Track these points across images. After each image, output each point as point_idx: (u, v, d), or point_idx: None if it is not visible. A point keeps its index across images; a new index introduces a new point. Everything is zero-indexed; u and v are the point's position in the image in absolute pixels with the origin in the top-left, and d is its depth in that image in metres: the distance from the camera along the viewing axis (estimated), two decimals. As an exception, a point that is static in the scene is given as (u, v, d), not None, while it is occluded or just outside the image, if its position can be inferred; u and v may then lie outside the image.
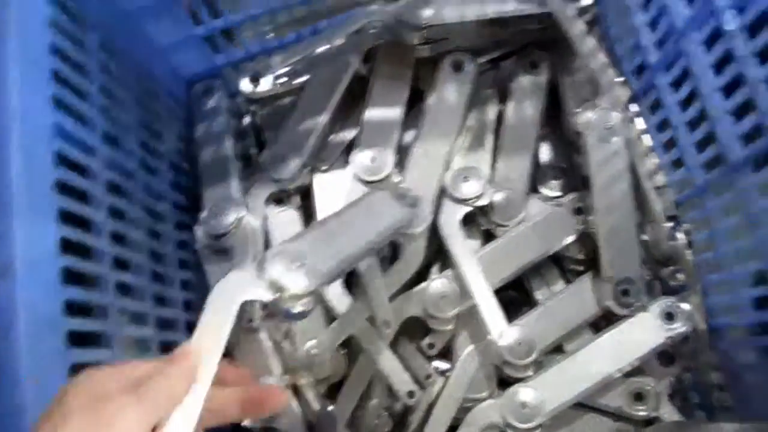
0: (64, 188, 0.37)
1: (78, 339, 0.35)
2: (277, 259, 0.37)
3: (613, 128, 0.55)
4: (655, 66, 0.51)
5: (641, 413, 0.54)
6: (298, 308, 0.36)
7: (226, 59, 0.63)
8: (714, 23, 0.42)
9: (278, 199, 0.59)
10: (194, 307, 0.57)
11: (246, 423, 0.51)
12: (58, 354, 0.33)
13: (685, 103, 0.49)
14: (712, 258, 0.51)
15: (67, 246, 0.36)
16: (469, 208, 0.57)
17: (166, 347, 0.48)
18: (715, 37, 0.42)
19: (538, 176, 0.62)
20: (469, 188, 0.57)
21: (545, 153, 0.63)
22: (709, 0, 0.41)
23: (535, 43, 0.62)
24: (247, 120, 0.66)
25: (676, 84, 0.49)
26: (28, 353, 0.30)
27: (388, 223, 0.47)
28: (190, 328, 0.53)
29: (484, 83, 0.62)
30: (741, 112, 0.42)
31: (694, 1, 0.43)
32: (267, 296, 0.36)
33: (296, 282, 0.36)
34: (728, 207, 0.47)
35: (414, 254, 0.56)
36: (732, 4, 0.40)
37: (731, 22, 0.40)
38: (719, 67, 0.43)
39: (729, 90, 0.43)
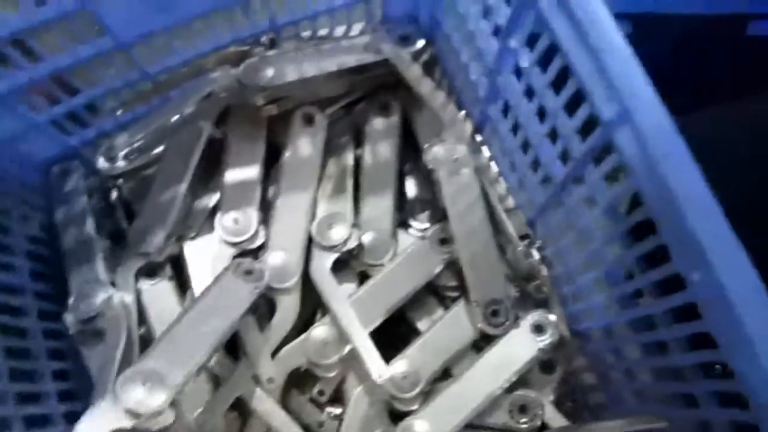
0: None
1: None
2: (129, 385, 0.38)
3: (461, 160, 0.58)
4: (485, 99, 0.55)
5: (525, 425, 0.56)
6: (158, 425, 0.37)
7: (80, 139, 0.62)
8: (513, 61, 0.46)
9: (149, 272, 0.58)
10: (75, 395, 0.56)
11: None
12: None
13: (514, 131, 0.52)
14: (563, 271, 0.55)
15: None
16: (338, 254, 0.59)
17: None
18: (518, 72, 0.46)
19: (407, 210, 0.64)
20: (335, 234, 0.59)
21: (411, 187, 0.66)
22: (507, 40, 0.45)
23: (384, 85, 0.65)
24: (114, 195, 0.66)
25: (504, 113, 0.53)
26: None
27: (235, 312, 0.49)
28: (70, 418, 0.52)
29: (339, 130, 0.64)
30: (552, 135, 0.46)
31: (497, 38, 0.47)
32: (127, 424, 0.36)
33: (151, 402, 0.37)
34: (563, 223, 0.51)
35: (288, 308, 0.56)
36: (523, 43, 0.44)
37: (525, 60, 0.44)
38: (529, 96, 0.47)
39: (541, 116, 0.47)
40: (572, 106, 0.41)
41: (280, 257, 0.57)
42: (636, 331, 0.47)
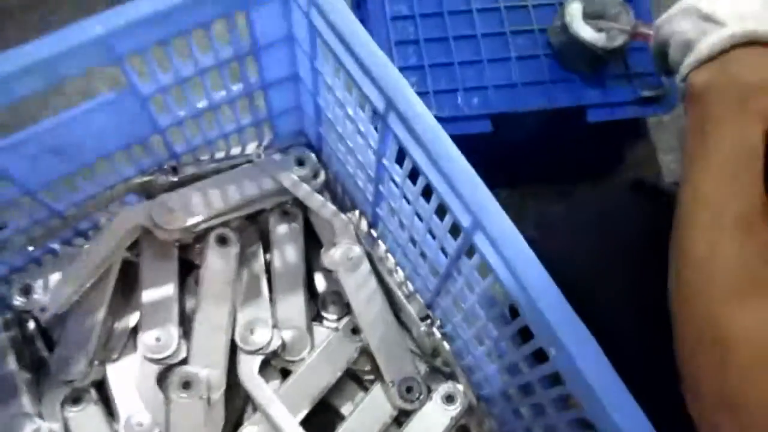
0: None
1: None
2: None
3: (356, 259, 0.65)
4: (373, 202, 0.62)
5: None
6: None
7: (-8, 278, 0.64)
8: (388, 174, 0.53)
9: (75, 399, 0.60)
10: None
11: None
12: None
13: (401, 227, 0.59)
14: (461, 344, 0.61)
15: None
16: (263, 356, 0.63)
17: None
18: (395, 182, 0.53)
19: (319, 304, 0.70)
20: (259, 338, 0.63)
21: (320, 282, 0.72)
22: (380, 158, 0.52)
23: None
24: (31, 326, 0.67)
25: (391, 212, 0.60)
26: None
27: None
28: None
29: (247, 239, 0.69)
30: (431, 233, 0.53)
31: (374, 156, 0.54)
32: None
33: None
34: (453, 306, 0.58)
35: (216, 415, 0.60)
36: (393, 161, 0.51)
37: (397, 175, 0.52)
38: (407, 201, 0.54)
39: (419, 217, 0.54)
40: (440, 212, 0.48)
41: (204, 376, 0.60)
42: (525, 394, 0.53)
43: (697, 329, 0.37)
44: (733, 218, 0.37)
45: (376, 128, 0.51)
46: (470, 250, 0.47)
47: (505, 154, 0.74)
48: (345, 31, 0.46)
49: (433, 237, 0.54)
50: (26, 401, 0.59)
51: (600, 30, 0.70)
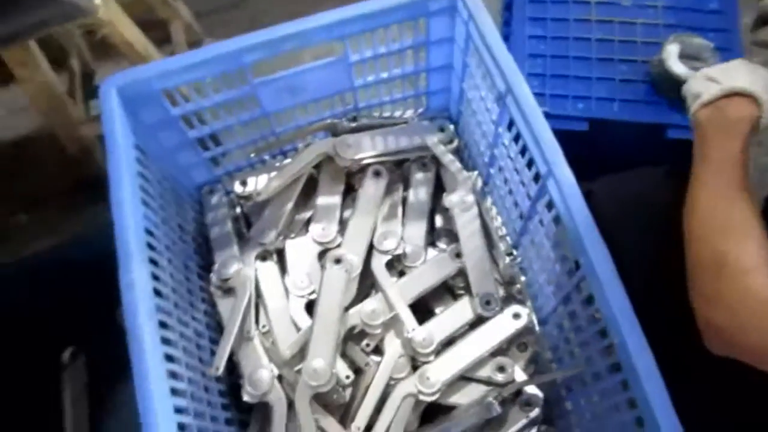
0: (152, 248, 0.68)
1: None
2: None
3: (468, 204, 0.89)
4: (488, 163, 0.87)
5: (501, 379, 0.84)
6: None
7: (223, 171, 0.96)
8: (501, 139, 0.78)
9: (263, 256, 0.90)
10: (209, 326, 0.86)
11: (245, 398, 0.79)
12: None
13: (504, 183, 0.83)
14: (531, 277, 0.84)
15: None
16: (389, 257, 0.89)
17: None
18: (504, 145, 0.78)
19: (435, 235, 0.95)
20: (389, 244, 0.90)
21: (439, 219, 0.97)
22: (498, 127, 0.77)
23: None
24: (238, 210, 0.99)
25: (499, 171, 0.84)
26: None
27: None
28: (212, 342, 0.82)
29: (393, 178, 0.96)
30: (522, 184, 0.77)
31: (494, 124, 0.79)
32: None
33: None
34: (530, 244, 0.81)
35: (352, 287, 0.87)
36: (506, 128, 0.76)
37: (507, 139, 0.76)
38: (510, 159, 0.78)
39: (516, 171, 0.78)
40: (529, 167, 0.72)
41: (350, 259, 0.87)
42: (571, 319, 0.75)
43: (701, 253, 0.57)
44: (724, 190, 0.58)
45: (497, 105, 0.76)
46: (544, 196, 0.70)
47: (596, 152, 0.95)
48: (489, 39, 0.72)
49: (523, 185, 0.77)
50: (236, 249, 0.89)
51: (691, 68, 0.90)
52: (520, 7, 1.01)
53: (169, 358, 0.65)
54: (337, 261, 0.86)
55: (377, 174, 0.94)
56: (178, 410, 0.62)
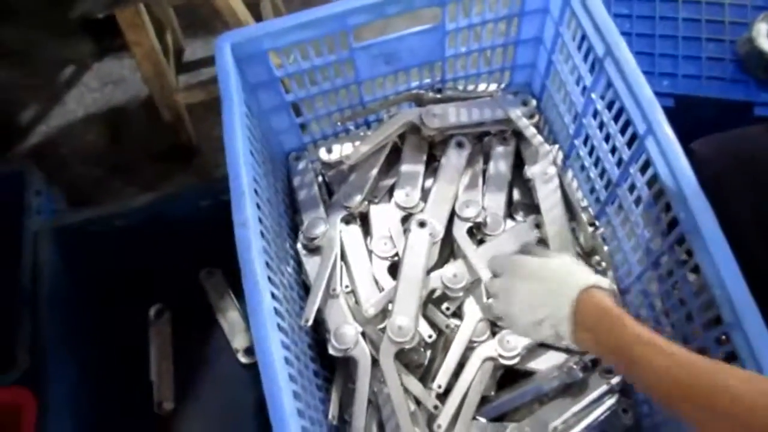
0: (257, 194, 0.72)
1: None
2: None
3: (549, 175, 0.91)
4: (573, 134, 0.88)
5: (582, 346, 0.84)
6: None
7: (310, 138, 1.00)
8: (593, 107, 0.79)
9: (347, 220, 0.93)
10: (297, 284, 0.89)
11: (331, 351, 0.82)
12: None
13: (590, 154, 0.85)
14: (615, 246, 0.85)
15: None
16: (470, 224, 0.91)
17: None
18: (594, 114, 0.79)
19: (512, 208, 0.97)
20: (470, 212, 0.92)
21: (516, 193, 0.98)
22: (590, 94, 0.79)
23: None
24: (320, 179, 1.02)
25: (585, 142, 0.86)
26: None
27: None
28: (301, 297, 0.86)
29: (474, 151, 0.98)
30: (612, 151, 0.78)
31: (583, 95, 0.80)
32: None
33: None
34: (616, 210, 0.82)
35: (435, 251, 0.89)
36: (599, 95, 0.77)
37: (600, 105, 0.77)
38: (600, 128, 0.80)
39: (606, 139, 0.79)
40: (623, 130, 0.73)
41: (433, 223, 0.90)
42: (660, 283, 0.75)
43: None
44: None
45: (591, 73, 0.78)
46: (638, 154, 0.72)
47: (682, 129, 0.96)
48: (589, 3, 0.73)
49: (613, 152, 0.78)
50: (321, 212, 0.92)
51: (783, 47, 0.90)
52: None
53: (273, 297, 0.68)
54: (422, 224, 0.88)
55: (460, 145, 0.96)
56: (285, 346, 0.65)
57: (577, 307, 0.58)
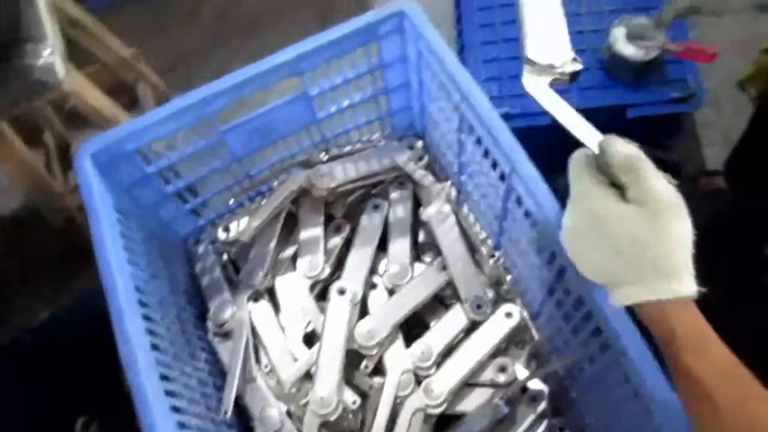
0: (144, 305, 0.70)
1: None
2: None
3: (445, 214, 0.91)
4: (458, 172, 0.89)
5: (504, 379, 0.85)
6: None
7: (206, 220, 0.98)
8: (464, 147, 0.80)
9: (255, 297, 0.91)
10: (212, 373, 0.87)
11: None
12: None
13: (476, 189, 0.86)
14: (516, 274, 0.86)
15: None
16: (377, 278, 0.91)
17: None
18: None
19: (419, 250, 0.97)
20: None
21: (422, 235, 0.99)
22: (461, 135, 0.79)
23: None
24: (225, 257, 1.00)
25: (469, 178, 0.87)
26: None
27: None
28: (217, 388, 0.83)
29: (374, 201, 0.98)
30: (491, 185, 0.79)
31: (455, 134, 0.81)
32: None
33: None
34: (509, 242, 0.83)
35: (355, 316, 0.88)
36: (467, 135, 0.78)
37: (470, 145, 0.78)
38: (477, 165, 0.81)
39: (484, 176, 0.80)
40: (494, 166, 0.74)
41: (353, 289, 0.88)
42: (558, 307, 0.76)
43: None
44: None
45: (456, 114, 0.79)
46: (511, 193, 0.73)
47: (565, 143, 0.98)
48: (439, 52, 0.74)
49: (492, 187, 0.79)
50: (227, 295, 0.91)
51: (640, 48, 0.93)
52: (470, 16, 1.04)
53: (176, 410, 0.66)
54: (341, 292, 0.87)
55: (376, 207, 0.96)
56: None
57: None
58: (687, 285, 0.42)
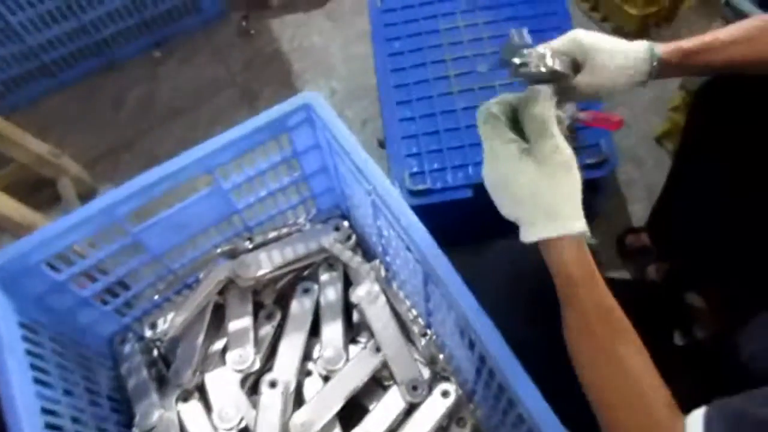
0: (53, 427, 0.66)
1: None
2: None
3: (375, 295, 0.90)
4: (382, 252, 0.88)
5: (446, 461, 0.83)
6: None
7: (131, 317, 0.95)
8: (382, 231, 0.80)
9: (184, 397, 0.88)
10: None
11: None
12: None
13: (401, 269, 0.85)
14: (450, 353, 0.85)
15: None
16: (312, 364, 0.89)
17: None
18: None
19: (353, 331, 0.95)
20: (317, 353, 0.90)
21: (356, 315, 0.97)
22: (375, 222, 0.79)
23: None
24: (155, 352, 0.97)
25: (395, 257, 0.86)
26: None
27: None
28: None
29: (304, 284, 0.97)
30: (412, 266, 0.79)
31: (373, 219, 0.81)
32: None
33: None
34: (439, 323, 0.82)
35: (289, 406, 0.85)
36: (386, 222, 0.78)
37: (388, 233, 0.78)
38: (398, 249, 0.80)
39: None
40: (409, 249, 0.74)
41: (284, 380, 0.86)
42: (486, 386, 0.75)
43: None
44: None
45: (369, 199, 0.79)
46: (427, 275, 0.72)
47: (489, 213, 0.99)
48: (344, 144, 0.75)
49: (413, 271, 0.79)
50: (155, 397, 0.87)
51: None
52: (387, 93, 1.06)
53: None
54: (273, 384, 0.85)
55: (306, 291, 0.94)
56: None
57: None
58: (574, 225, 0.50)
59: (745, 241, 0.76)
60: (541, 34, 1.04)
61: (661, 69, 0.63)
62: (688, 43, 0.63)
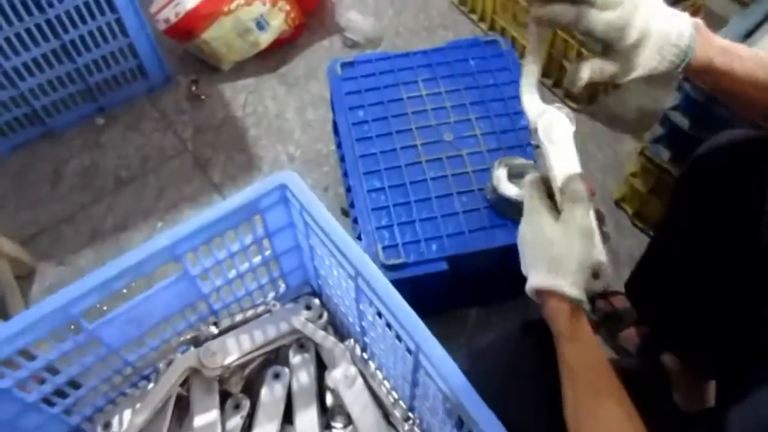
0: None
1: None
2: None
3: (352, 377, 0.85)
4: (360, 333, 0.84)
5: None
6: None
7: (81, 417, 0.85)
8: (365, 315, 0.76)
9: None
10: None
11: None
12: None
13: (383, 352, 0.81)
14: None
15: None
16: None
17: None
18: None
19: (328, 416, 0.89)
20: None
21: (329, 398, 0.92)
22: (358, 304, 0.75)
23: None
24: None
25: (374, 340, 0.82)
26: None
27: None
28: None
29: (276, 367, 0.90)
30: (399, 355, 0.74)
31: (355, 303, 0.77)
32: None
33: None
34: (425, 409, 0.78)
35: None
36: (367, 306, 0.74)
37: (370, 315, 0.74)
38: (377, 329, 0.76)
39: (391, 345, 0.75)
40: (398, 337, 0.70)
41: None
42: None
43: None
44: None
45: (353, 283, 0.74)
46: (419, 366, 0.68)
47: (465, 283, 0.96)
48: (323, 223, 0.71)
49: (401, 358, 0.75)
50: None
51: (521, 187, 0.94)
52: (353, 165, 1.03)
53: None
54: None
55: (277, 376, 0.88)
56: None
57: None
58: (572, 290, 0.54)
59: (726, 308, 0.76)
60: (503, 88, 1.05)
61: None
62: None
